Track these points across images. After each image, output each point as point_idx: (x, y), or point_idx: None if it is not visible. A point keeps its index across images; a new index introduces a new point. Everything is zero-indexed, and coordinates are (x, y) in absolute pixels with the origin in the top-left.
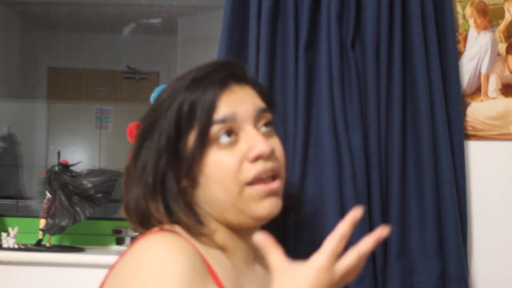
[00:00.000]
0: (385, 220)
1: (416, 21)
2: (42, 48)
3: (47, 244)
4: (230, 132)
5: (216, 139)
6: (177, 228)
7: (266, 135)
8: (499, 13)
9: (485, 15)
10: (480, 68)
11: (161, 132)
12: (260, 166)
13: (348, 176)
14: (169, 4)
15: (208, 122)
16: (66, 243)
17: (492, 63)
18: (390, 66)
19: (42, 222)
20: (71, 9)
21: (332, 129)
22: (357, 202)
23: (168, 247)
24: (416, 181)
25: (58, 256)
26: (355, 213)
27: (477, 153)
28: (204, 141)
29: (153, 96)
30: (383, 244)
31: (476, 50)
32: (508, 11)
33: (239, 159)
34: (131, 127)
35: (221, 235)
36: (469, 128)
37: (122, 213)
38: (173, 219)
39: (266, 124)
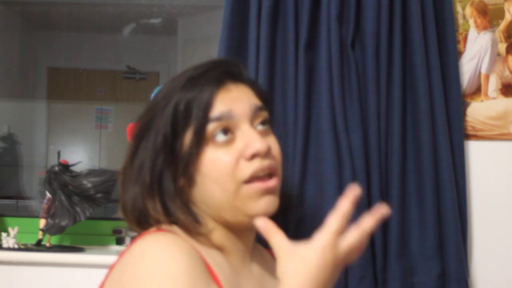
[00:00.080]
0: (385, 220)
1: (416, 21)
2: (42, 48)
3: (47, 244)
4: (226, 130)
5: (213, 138)
6: (175, 228)
7: (263, 134)
8: (499, 13)
9: (485, 15)
10: (480, 68)
11: (158, 132)
12: (257, 164)
13: (348, 176)
14: (169, 4)
15: (204, 120)
16: (66, 243)
17: (492, 63)
18: (390, 66)
19: (42, 222)
20: (71, 9)
21: (332, 129)
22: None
23: (167, 246)
24: (416, 181)
25: (58, 256)
26: (353, 191)
27: (477, 153)
28: (201, 139)
29: (152, 96)
30: (383, 244)
31: (476, 50)
32: (508, 11)
33: (236, 157)
34: (131, 127)
35: (218, 234)
36: (469, 128)
37: (119, 213)
38: (171, 219)
39: (263, 123)
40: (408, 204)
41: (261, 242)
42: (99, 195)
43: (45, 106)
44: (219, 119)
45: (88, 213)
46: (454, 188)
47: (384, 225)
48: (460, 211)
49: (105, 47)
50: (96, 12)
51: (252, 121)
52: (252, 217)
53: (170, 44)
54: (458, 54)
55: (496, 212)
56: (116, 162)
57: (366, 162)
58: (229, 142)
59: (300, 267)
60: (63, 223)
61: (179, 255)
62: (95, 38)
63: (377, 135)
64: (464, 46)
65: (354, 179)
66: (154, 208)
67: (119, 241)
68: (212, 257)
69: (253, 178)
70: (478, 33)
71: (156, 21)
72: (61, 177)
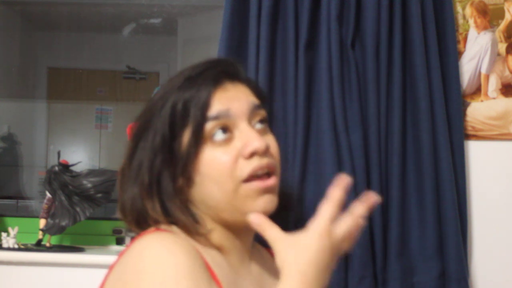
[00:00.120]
0: (385, 220)
1: (416, 21)
2: (42, 48)
3: (47, 244)
4: (224, 129)
5: (211, 137)
6: (174, 228)
7: (261, 132)
8: (499, 13)
9: (485, 15)
10: (480, 68)
11: (156, 132)
12: (256, 163)
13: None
14: (169, 4)
15: (202, 119)
16: (66, 243)
17: (492, 63)
18: (390, 66)
19: (42, 222)
20: (71, 9)
21: (332, 129)
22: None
23: (167, 245)
24: (416, 181)
25: (58, 256)
26: (341, 179)
27: (477, 153)
28: (199, 139)
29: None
30: (383, 244)
31: (476, 50)
32: (508, 11)
33: (234, 156)
34: (131, 127)
35: (217, 234)
36: (469, 128)
37: (118, 213)
38: (170, 219)
39: (261, 121)
40: (408, 204)
41: (260, 241)
42: (99, 195)
43: (45, 106)
44: (217, 118)
45: (88, 213)
46: (454, 188)
47: (384, 225)
48: (460, 211)
49: (105, 47)
50: (96, 12)
51: (250, 120)
52: None
53: (170, 44)
54: (458, 54)
55: (496, 212)
56: (116, 162)
57: (366, 162)
58: (227, 141)
59: (299, 255)
60: (63, 223)
61: (180, 253)
62: (95, 38)
63: (377, 135)
64: (464, 46)
65: (354, 179)
66: (153, 208)
67: (119, 241)
68: (212, 257)
69: (252, 177)
70: (478, 33)
71: (156, 21)
72: (61, 177)
